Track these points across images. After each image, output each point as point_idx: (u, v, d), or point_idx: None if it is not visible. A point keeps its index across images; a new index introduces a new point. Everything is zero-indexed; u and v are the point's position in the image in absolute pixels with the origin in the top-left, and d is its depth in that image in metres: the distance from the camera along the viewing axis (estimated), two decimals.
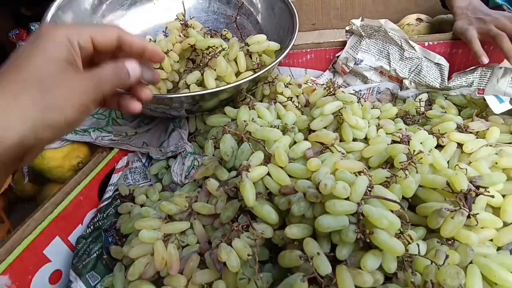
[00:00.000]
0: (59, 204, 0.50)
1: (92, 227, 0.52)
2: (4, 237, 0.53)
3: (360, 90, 0.76)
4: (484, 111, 0.61)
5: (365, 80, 0.76)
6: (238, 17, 0.73)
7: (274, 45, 0.67)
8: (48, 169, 0.54)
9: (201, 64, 0.61)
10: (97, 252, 0.51)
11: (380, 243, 0.35)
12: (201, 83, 0.61)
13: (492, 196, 0.40)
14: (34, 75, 0.26)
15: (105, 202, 0.55)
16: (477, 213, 0.38)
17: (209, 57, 0.60)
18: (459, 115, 0.64)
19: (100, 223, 0.54)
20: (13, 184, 0.62)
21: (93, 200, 0.57)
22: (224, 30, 0.72)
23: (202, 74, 0.60)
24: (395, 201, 0.36)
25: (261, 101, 0.71)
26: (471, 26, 0.63)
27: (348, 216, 0.36)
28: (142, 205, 0.58)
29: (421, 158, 0.45)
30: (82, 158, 0.56)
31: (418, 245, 0.35)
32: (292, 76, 0.83)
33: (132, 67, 0.32)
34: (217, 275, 0.41)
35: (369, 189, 0.38)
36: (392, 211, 0.38)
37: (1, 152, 0.23)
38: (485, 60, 0.59)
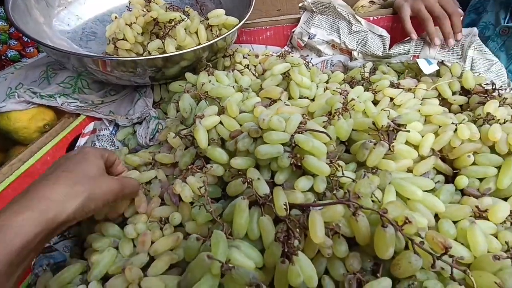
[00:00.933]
0: (25, 161, 0.53)
1: None
2: None
3: (315, 64, 0.82)
4: (419, 75, 0.68)
5: (319, 53, 0.82)
6: None
7: (232, 19, 0.72)
8: (14, 130, 0.56)
9: (162, 35, 0.66)
10: None
11: (309, 165, 0.41)
12: (164, 52, 0.65)
13: (408, 131, 0.47)
14: (86, 174, 0.38)
15: None
16: (394, 144, 0.45)
17: (170, 28, 0.64)
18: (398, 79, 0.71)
19: None
20: None
21: None
22: (187, 7, 0.77)
23: (163, 43, 0.64)
24: (323, 132, 0.42)
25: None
26: (406, 3, 0.71)
27: (284, 146, 0.42)
28: None
29: (354, 105, 0.51)
30: (48, 121, 0.59)
31: (341, 166, 0.41)
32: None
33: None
34: (174, 208, 0.46)
35: (303, 124, 0.43)
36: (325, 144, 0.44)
37: (53, 226, 0.33)
38: (414, 37, 0.69)
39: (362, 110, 0.52)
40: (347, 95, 0.56)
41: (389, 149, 0.46)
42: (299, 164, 0.41)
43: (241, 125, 0.51)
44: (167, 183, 0.53)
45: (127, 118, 0.68)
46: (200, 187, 0.43)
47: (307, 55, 0.81)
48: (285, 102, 0.53)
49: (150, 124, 0.65)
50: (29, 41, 1.11)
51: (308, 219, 0.36)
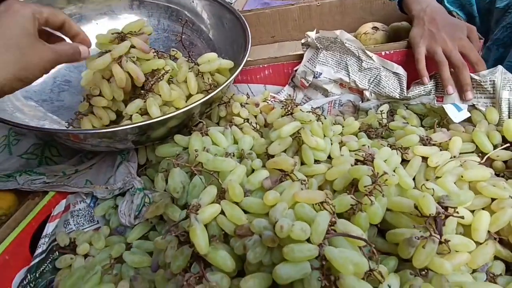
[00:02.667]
0: None
1: None
2: None
3: (322, 105, 0.73)
4: (445, 119, 0.59)
5: (325, 93, 0.73)
6: (185, 35, 0.68)
7: (226, 63, 0.63)
8: None
9: (144, 91, 0.55)
10: None
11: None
12: (146, 112, 0.55)
13: (462, 217, 0.37)
14: (14, 41, 0.35)
15: (37, 259, 0.47)
16: (449, 240, 0.35)
17: (152, 82, 0.54)
18: (421, 124, 0.62)
19: (32, 285, 0.45)
20: None
21: (23, 258, 0.48)
22: (173, 50, 0.67)
23: (145, 102, 0.54)
24: (360, 238, 0.32)
25: (217, 123, 0.66)
26: (422, 40, 0.62)
27: (310, 260, 0.31)
28: (85, 256, 0.51)
29: (386, 180, 0.41)
30: (5, 209, 0.48)
31: (389, 286, 0.31)
32: (252, 93, 0.79)
33: (84, 49, 0.46)
34: None
35: (331, 225, 0.33)
36: (360, 248, 0.34)
37: None
38: (426, 81, 0.60)
39: (395, 183, 0.42)
40: (372, 160, 0.46)
41: (440, 242, 0.36)
42: (334, 286, 0.30)
43: (246, 212, 0.40)
44: None
45: (107, 188, 0.57)
46: None
47: (304, 97, 0.71)
48: (299, 178, 0.43)
49: (134, 199, 0.54)
50: None
51: None
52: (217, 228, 0.40)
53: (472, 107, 0.57)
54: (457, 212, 0.37)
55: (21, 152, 0.55)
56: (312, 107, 0.71)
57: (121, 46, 0.55)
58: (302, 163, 0.50)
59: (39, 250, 0.48)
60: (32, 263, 0.46)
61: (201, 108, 0.58)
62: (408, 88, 0.65)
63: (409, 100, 0.64)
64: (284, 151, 0.50)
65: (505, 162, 0.50)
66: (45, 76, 0.69)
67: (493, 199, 0.42)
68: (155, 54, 0.61)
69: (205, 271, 0.37)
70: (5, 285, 0.45)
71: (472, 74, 0.57)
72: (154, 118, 0.49)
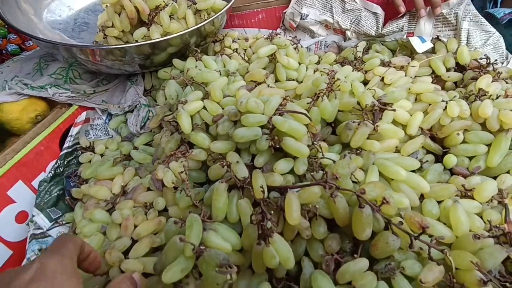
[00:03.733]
0: (18, 151, 0.55)
1: (53, 172, 0.57)
2: None
3: (309, 45, 0.80)
4: (414, 53, 0.66)
5: (312, 34, 0.80)
6: None
7: (221, 2, 0.71)
8: (6, 121, 0.58)
9: (148, 22, 0.65)
10: (58, 192, 0.56)
11: (288, 147, 0.40)
12: (150, 39, 0.65)
13: (394, 110, 0.45)
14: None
15: (64, 151, 0.60)
16: (378, 125, 0.44)
17: (154, 14, 0.64)
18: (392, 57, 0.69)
19: (61, 169, 0.58)
20: None
21: (54, 151, 0.61)
22: None
23: (148, 30, 0.64)
24: (302, 113, 0.42)
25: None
26: None
27: (262, 128, 0.41)
28: (101, 155, 0.63)
29: (339, 85, 0.50)
30: (40, 111, 0.60)
31: (319, 148, 0.41)
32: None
33: (136, 277, 0.34)
34: (159, 194, 0.46)
35: (282, 106, 0.43)
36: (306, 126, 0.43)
37: None
38: (402, 9, 0.66)
39: (348, 90, 0.51)
40: (334, 76, 0.54)
41: (374, 129, 0.45)
42: (278, 146, 0.40)
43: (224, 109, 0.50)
44: None
45: (119, 107, 0.69)
46: (181, 172, 0.43)
47: (294, 39, 0.79)
48: (269, 84, 0.52)
49: (140, 112, 0.65)
50: None
51: (285, 201, 0.36)
52: (199, 119, 0.50)
53: (436, 39, 0.63)
54: (391, 107, 0.46)
55: (50, 73, 0.67)
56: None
57: None
58: (277, 81, 0.59)
59: (65, 145, 0.61)
60: (61, 153, 0.59)
61: (196, 40, 0.67)
62: (384, 27, 0.71)
63: (384, 37, 0.71)
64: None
65: (456, 83, 0.57)
66: (67, 16, 0.81)
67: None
68: None
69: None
70: (41, 168, 0.58)
71: (440, 8, 0.62)
72: (154, 39, 0.59)
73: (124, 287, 0.31)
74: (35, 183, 0.57)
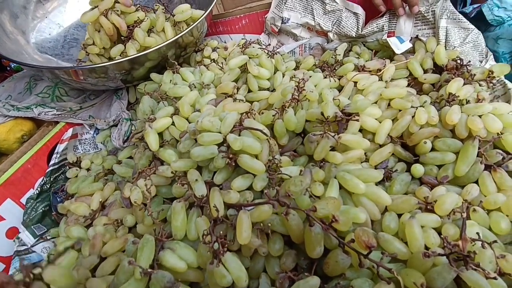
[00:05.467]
0: (6, 171, 0.58)
1: (39, 189, 0.60)
2: None
3: (293, 49, 0.79)
4: (395, 54, 0.64)
5: (295, 38, 0.79)
6: None
7: (198, 12, 0.71)
8: None
9: (125, 38, 0.67)
10: (44, 209, 0.58)
11: (244, 164, 0.40)
12: (126, 56, 0.66)
13: (357, 120, 0.44)
14: None
15: (50, 168, 0.62)
16: (340, 136, 0.43)
17: (131, 31, 0.65)
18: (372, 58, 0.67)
19: (48, 186, 0.61)
20: None
21: (42, 168, 0.64)
22: (156, 5, 0.77)
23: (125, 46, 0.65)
24: (259, 130, 0.41)
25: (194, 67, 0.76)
26: None
27: (219, 146, 0.42)
28: (88, 170, 0.66)
29: (305, 95, 0.49)
30: (26, 131, 0.63)
31: (278, 162, 0.40)
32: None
33: None
34: (129, 211, 0.48)
35: (241, 123, 0.43)
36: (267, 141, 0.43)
37: None
38: (382, 9, 0.63)
39: (316, 99, 0.50)
40: (304, 84, 0.53)
41: (336, 141, 0.44)
42: (234, 164, 0.41)
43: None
44: None
45: (104, 121, 0.71)
46: (147, 189, 0.44)
47: (278, 43, 0.78)
48: (235, 98, 0.52)
49: (122, 127, 0.67)
50: None
51: (237, 220, 0.36)
52: (169, 135, 0.51)
53: (416, 39, 0.61)
54: (356, 117, 0.45)
55: (37, 92, 0.70)
56: (283, 51, 0.78)
57: (106, 1, 0.66)
58: (250, 91, 0.59)
59: (52, 162, 0.63)
60: (48, 170, 0.62)
61: (175, 51, 0.68)
62: (364, 27, 0.69)
63: (366, 38, 0.69)
64: (236, 81, 0.59)
65: (433, 85, 0.55)
66: (56, 33, 0.84)
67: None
68: (138, 8, 0.71)
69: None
70: (29, 185, 0.61)
71: (417, 7, 0.60)
72: (128, 56, 0.60)
73: None
74: (24, 199, 0.60)
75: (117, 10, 0.67)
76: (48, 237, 0.56)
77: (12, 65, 1.13)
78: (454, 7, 0.54)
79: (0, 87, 0.77)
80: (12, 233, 0.58)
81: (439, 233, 0.36)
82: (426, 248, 0.34)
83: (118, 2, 0.68)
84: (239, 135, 0.42)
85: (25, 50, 0.73)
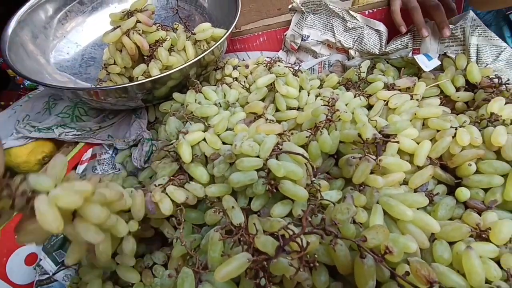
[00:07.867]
0: None
1: None
2: None
3: (312, 66, 0.79)
4: (421, 70, 0.63)
5: (315, 55, 0.79)
6: (186, 11, 0.78)
7: (219, 31, 0.71)
8: (16, 165, 0.60)
9: (148, 58, 0.66)
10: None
11: (286, 191, 0.38)
12: (149, 76, 0.66)
13: (397, 142, 0.43)
14: None
15: None
16: (381, 159, 0.41)
17: (152, 50, 0.64)
18: (399, 76, 0.66)
19: None
20: None
21: None
22: (176, 24, 0.77)
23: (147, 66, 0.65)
24: (299, 154, 0.40)
25: (215, 85, 0.75)
26: None
27: (258, 171, 0.40)
28: None
29: (339, 116, 0.48)
30: (47, 152, 0.62)
31: (318, 187, 0.39)
32: (250, 60, 0.86)
33: None
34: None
35: (279, 146, 0.41)
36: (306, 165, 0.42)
37: None
38: (403, 30, 0.63)
39: (349, 120, 0.49)
40: (334, 104, 0.52)
41: (376, 164, 0.42)
42: (275, 190, 0.39)
43: (224, 143, 0.49)
44: None
45: (124, 141, 0.70)
46: (178, 208, 0.42)
47: (296, 60, 0.77)
48: (267, 119, 0.51)
49: (143, 147, 0.66)
50: None
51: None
52: (199, 150, 0.49)
53: (444, 56, 0.60)
54: (394, 139, 0.43)
55: (57, 112, 0.69)
56: (303, 69, 0.77)
57: (128, 21, 0.66)
58: (277, 110, 0.57)
59: None
60: None
61: (197, 70, 0.67)
62: (387, 44, 0.68)
63: (389, 55, 0.68)
64: (263, 100, 0.58)
65: (467, 103, 0.54)
66: (74, 52, 0.84)
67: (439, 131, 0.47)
68: (159, 27, 0.71)
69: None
70: None
71: (448, 30, 0.59)
72: (153, 77, 0.59)
73: None
74: None
75: (139, 30, 0.67)
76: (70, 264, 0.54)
77: (26, 83, 1.13)
78: (501, 12, 0.53)
79: (18, 106, 0.76)
80: (31, 259, 0.56)
81: (498, 264, 0.34)
82: (487, 281, 0.32)
83: (140, 22, 0.67)
84: (277, 158, 0.41)
85: (45, 70, 0.72)
